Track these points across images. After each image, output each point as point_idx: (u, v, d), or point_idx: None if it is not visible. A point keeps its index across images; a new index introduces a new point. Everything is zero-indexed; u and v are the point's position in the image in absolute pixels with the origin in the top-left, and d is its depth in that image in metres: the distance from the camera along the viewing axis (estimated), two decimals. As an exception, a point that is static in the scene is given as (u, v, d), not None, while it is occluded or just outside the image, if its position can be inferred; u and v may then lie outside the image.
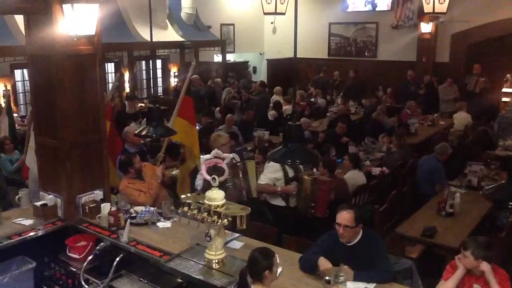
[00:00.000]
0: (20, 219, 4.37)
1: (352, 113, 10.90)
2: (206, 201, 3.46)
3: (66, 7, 3.95)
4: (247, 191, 5.14)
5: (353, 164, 6.10)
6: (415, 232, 4.85)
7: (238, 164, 5.16)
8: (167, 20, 12.72)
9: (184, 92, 5.86)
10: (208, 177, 3.50)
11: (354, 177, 5.69)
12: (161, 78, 13.71)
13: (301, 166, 5.28)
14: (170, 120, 5.71)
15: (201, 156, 3.62)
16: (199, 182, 5.09)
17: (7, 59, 9.46)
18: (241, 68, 14.89)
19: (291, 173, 5.15)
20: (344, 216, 3.54)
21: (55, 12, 3.98)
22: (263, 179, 5.21)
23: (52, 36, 4.04)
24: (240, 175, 5.07)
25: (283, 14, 10.31)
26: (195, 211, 3.50)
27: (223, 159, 3.60)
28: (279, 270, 3.48)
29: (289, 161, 3.49)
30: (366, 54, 14.71)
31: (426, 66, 13.21)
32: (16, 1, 4.49)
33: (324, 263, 3.40)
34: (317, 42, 14.93)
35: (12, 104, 9.84)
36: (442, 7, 10.20)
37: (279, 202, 5.20)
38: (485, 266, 3.26)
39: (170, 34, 12.70)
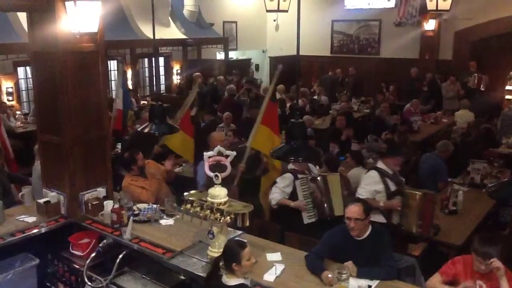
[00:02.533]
0: (23, 216, 4.38)
1: (355, 110, 10.88)
2: (209, 199, 3.47)
3: (68, 4, 3.95)
4: (329, 209, 4.89)
5: (355, 161, 6.09)
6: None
7: (317, 178, 4.92)
8: (169, 18, 12.71)
9: (269, 97, 5.53)
10: (211, 174, 3.50)
11: (356, 175, 5.67)
12: (163, 76, 13.70)
13: (403, 179, 4.99)
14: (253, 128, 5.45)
15: (204, 153, 3.62)
16: (274, 196, 4.97)
17: (10, 57, 9.47)
18: (243, 66, 14.87)
19: (392, 186, 4.75)
20: (354, 209, 3.59)
21: (58, 9, 3.98)
22: (362, 193, 4.75)
23: (54, 33, 4.04)
24: (320, 190, 4.84)
25: (286, 11, 10.29)
26: (198, 209, 3.50)
27: (226, 156, 3.59)
28: (282, 267, 3.50)
29: (292, 158, 3.47)
30: (369, 51, 14.67)
31: (429, 63, 13.17)
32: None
33: (326, 277, 3.35)
34: (319, 39, 14.90)
35: (15, 102, 9.89)
36: (445, 4, 10.14)
37: (378, 218, 4.65)
38: (499, 263, 3.23)
39: (173, 32, 12.69)
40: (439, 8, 10.09)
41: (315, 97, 12.08)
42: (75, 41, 4.10)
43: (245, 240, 3.40)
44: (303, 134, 3.43)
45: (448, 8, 10.10)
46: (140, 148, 5.23)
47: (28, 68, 9.82)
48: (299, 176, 4.98)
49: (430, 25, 13.10)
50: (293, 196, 4.95)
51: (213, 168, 3.51)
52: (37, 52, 4.33)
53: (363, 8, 14.30)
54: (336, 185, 4.98)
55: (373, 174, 4.83)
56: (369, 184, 4.80)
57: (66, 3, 3.96)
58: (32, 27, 4.31)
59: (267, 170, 5.55)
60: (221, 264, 3.14)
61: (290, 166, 5.10)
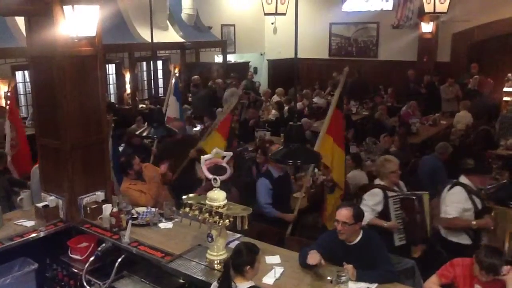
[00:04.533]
0: (21, 220, 4.38)
1: (354, 113, 10.89)
2: (207, 202, 3.47)
3: (66, 8, 3.96)
4: (422, 230, 4.48)
5: (354, 163, 6.09)
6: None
7: (413, 197, 4.48)
8: (167, 21, 12.71)
9: (335, 104, 5.13)
10: (210, 176, 3.50)
11: (355, 177, 5.68)
12: (162, 79, 13.71)
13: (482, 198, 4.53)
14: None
15: (202, 157, 3.61)
16: (365, 215, 4.35)
17: (8, 61, 9.47)
18: (242, 69, 14.88)
19: (478, 204, 4.40)
20: (343, 213, 3.55)
21: (56, 13, 3.99)
22: (451, 211, 4.34)
23: (53, 38, 4.04)
24: (415, 210, 4.43)
25: (284, 14, 10.31)
26: (197, 212, 3.50)
27: (223, 157, 3.59)
28: (281, 270, 3.49)
29: (290, 161, 3.47)
30: (367, 54, 14.70)
31: (427, 65, 13.19)
32: (17, 3, 4.50)
33: (313, 255, 3.36)
34: (318, 42, 14.92)
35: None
36: (443, 7, 10.20)
37: (463, 239, 4.35)
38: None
39: (171, 35, 12.69)
40: (436, 11, 10.15)
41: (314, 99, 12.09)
42: (73, 45, 4.10)
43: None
44: (301, 137, 3.43)
45: (445, 10, 10.15)
46: (173, 154, 5.08)
47: (26, 72, 9.82)
48: (391, 194, 4.51)
49: (427, 27, 13.13)
50: (381, 215, 4.50)
51: (213, 171, 3.50)
52: (35, 56, 4.34)
53: (361, 11, 14.34)
54: (427, 204, 4.54)
55: (459, 190, 4.42)
56: (457, 201, 4.35)
57: (64, 7, 3.96)
58: (31, 31, 4.31)
59: (333, 185, 5.07)
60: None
61: (377, 180, 4.72)
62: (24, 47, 4.63)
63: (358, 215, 3.59)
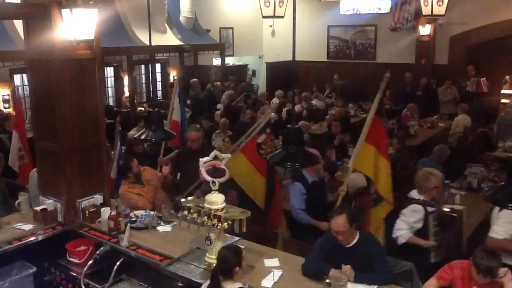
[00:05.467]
0: (20, 224, 4.36)
1: (352, 115, 10.90)
2: (206, 205, 3.47)
3: (65, 11, 3.95)
4: (460, 247, 4.30)
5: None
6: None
7: (454, 214, 4.30)
8: (166, 24, 12.73)
9: (375, 110, 4.75)
10: (209, 179, 3.50)
11: (354, 180, 5.68)
12: (160, 82, 13.71)
13: None
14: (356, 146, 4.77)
15: (200, 159, 3.61)
16: (403, 233, 4.25)
17: (6, 64, 9.47)
18: (240, 72, 14.90)
19: None
20: (338, 222, 3.53)
21: (54, 16, 3.99)
22: (499, 233, 4.03)
23: (51, 41, 4.04)
24: (457, 226, 4.25)
25: (282, 17, 10.32)
26: (195, 215, 3.50)
27: (221, 160, 3.59)
28: (280, 273, 3.49)
29: (289, 164, 3.47)
30: (365, 56, 14.73)
31: (425, 68, 13.23)
32: (15, 6, 4.52)
33: (336, 274, 3.34)
34: (316, 45, 14.95)
35: (11, 110, 9.87)
36: (440, 9, 10.20)
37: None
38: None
39: (169, 38, 12.71)
40: (434, 13, 10.16)
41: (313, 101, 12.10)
42: (71, 49, 4.10)
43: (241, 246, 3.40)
44: (300, 140, 3.43)
45: (443, 13, 10.15)
46: (190, 165, 4.87)
47: (24, 75, 9.81)
48: (430, 209, 4.30)
49: (425, 30, 13.17)
50: (419, 232, 4.29)
51: (211, 173, 3.50)
52: (34, 59, 4.33)
53: (359, 13, 14.38)
54: (465, 219, 4.41)
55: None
56: (509, 222, 4.01)
57: (62, 10, 3.96)
58: (29, 34, 4.31)
59: (378, 200, 4.75)
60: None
61: (415, 194, 4.47)
62: (22, 50, 4.63)
63: (352, 218, 3.58)
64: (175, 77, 13.55)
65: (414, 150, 8.44)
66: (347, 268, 3.36)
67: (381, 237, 4.50)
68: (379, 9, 13.92)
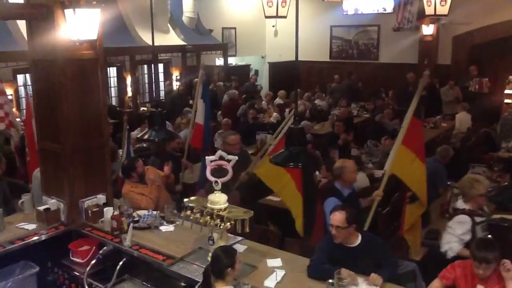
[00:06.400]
0: (23, 223, 4.38)
1: (355, 115, 10.89)
2: (208, 205, 3.47)
3: (68, 12, 3.96)
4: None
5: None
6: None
7: (505, 224, 4.13)
8: (168, 24, 12.75)
9: (413, 111, 4.55)
10: (212, 179, 3.50)
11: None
12: (163, 82, 13.73)
13: None
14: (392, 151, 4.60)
15: (206, 157, 3.61)
16: (452, 246, 4.09)
17: (9, 64, 9.49)
18: (243, 72, 14.91)
19: None
20: (336, 217, 3.54)
21: (57, 17, 4.00)
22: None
23: (54, 41, 4.05)
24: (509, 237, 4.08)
25: (285, 17, 10.31)
26: (198, 215, 3.50)
27: (228, 160, 3.59)
28: (282, 273, 3.49)
29: (291, 164, 3.47)
30: (368, 56, 14.72)
31: (428, 68, 13.20)
32: (18, 7, 4.54)
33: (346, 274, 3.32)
34: (318, 45, 14.95)
35: (14, 109, 9.90)
36: (443, 9, 10.17)
37: None
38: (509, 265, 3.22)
39: (172, 38, 12.73)
40: (437, 13, 10.14)
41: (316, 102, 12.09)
42: (74, 49, 4.11)
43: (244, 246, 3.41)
44: (302, 140, 3.43)
45: (446, 12, 10.12)
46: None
47: (27, 75, 9.84)
48: (478, 219, 4.14)
49: (428, 29, 13.15)
50: (468, 244, 4.04)
51: (214, 172, 3.50)
52: (37, 60, 4.34)
53: (362, 13, 14.36)
54: None
55: None
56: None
57: (65, 11, 3.97)
58: (32, 35, 4.32)
59: (413, 199, 4.62)
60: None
61: (460, 203, 4.35)
62: (25, 50, 4.64)
63: (352, 217, 3.57)
64: (177, 77, 13.60)
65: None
66: (344, 271, 3.30)
67: (418, 233, 4.46)
68: (384, 9, 13.91)
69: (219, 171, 3.51)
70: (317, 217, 4.67)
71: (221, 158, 3.54)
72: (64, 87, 4.14)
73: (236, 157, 3.60)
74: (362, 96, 12.84)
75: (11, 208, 5.13)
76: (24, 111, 10.52)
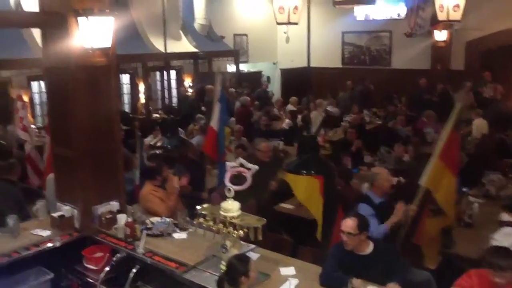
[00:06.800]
0: (37, 230, 4.40)
1: (367, 122, 10.81)
2: (221, 212, 3.46)
3: (81, 20, 4.00)
4: None
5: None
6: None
7: None
8: (180, 31, 12.82)
9: (453, 124, 4.41)
10: (229, 185, 3.49)
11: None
12: (175, 89, 13.79)
13: None
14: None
15: (227, 163, 3.59)
16: None
17: (24, 71, 9.61)
18: (254, 78, 14.92)
19: None
20: (347, 223, 3.54)
21: (71, 25, 4.04)
22: None
23: (67, 49, 4.10)
24: None
25: (296, 24, 10.32)
26: (211, 222, 3.49)
27: (248, 169, 3.57)
28: (296, 282, 3.46)
29: (304, 172, 3.45)
30: (380, 62, 14.66)
31: (441, 74, 13.11)
32: (33, 15, 4.59)
33: (358, 283, 3.31)
34: (330, 51, 14.93)
35: (29, 115, 10.00)
36: (456, 15, 10.14)
37: None
38: None
39: (184, 45, 12.80)
40: (450, 19, 10.09)
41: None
42: (87, 56, 4.15)
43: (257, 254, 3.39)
44: (315, 147, 3.42)
45: (459, 18, 10.09)
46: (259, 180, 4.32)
47: (42, 82, 9.95)
48: None
49: (441, 35, 13.07)
50: None
51: (233, 179, 3.49)
52: (50, 67, 4.40)
53: (373, 19, 14.32)
54: None
55: None
56: None
57: (79, 19, 4.00)
58: (46, 42, 4.38)
59: (437, 212, 4.57)
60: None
61: (505, 216, 4.32)
62: (39, 58, 4.69)
63: (363, 224, 3.56)
64: (190, 84, 13.65)
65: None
66: (392, 286, 3.25)
67: (436, 242, 4.40)
68: (398, 15, 13.86)
69: (238, 178, 3.48)
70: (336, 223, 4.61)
71: (241, 165, 3.51)
72: (76, 93, 4.18)
73: (257, 167, 3.55)
74: (374, 102, 12.76)
75: (26, 214, 5.17)
76: (39, 118, 10.66)
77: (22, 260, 3.96)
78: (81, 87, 4.19)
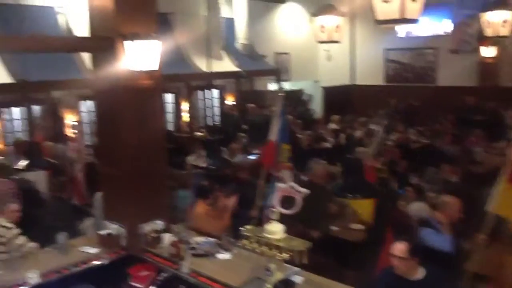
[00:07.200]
0: (85, 247, 4.50)
1: (414, 141, 10.53)
2: (266, 234, 3.43)
3: (130, 44, 4.13)
4: None
5: (416, 195, 5.87)
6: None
7: None
8: (222, 51, 13.04)
9: None
10: (277, 207, 3.46)
11: (417, 209, 5.46)
12: (217, 107, 13.97)
13: None
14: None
15: (277, 184, 3.56)
16: None
17: (73, 91, 9.98)
18: (295, 97, 14.91)
19: None
20: (398, 247, 3.47)
21: (119, 49, 4.17)
22: None
23: (116, 72, 4.24)
24: None
25: (338, 42, 10.31)
26: (255, 245, 3.47)
27: (299, 192, 3.52)
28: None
29: (350, 195, 3.39)
30: (424, 80, 14.36)
31: (489, 91, 12.70)
32: (84, 40, 4.79)
33: None
34: (372, 68, 14.79)
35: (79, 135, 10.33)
36: (505, 30, 9.86)
37: None
38: None
39: (226, 64, 12.99)
40: (499, 34, 9.81)
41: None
42: (135, 79, 4.26)
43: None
44: (360, 170, 3.36)
45: (507, 34, 9.80)
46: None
47: (89, 102, 10.30)
48: None
49: (489, 51, 12.69)
50: None
51: (282, 201, 3.46)
52: (99, 88, 4.56)
53: (417, 36, 14.10)
54: None
55: None
56: None
57: (127, 43, 4.13)
58: (95, 66, 4.56)
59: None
60: None
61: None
62: (87, 78, 4.87)
63: (414, 250, 3.48)
64: (232, 103, 13.77)
65: (480, 178, 8.00)
66: None
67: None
68: (445, 32, 13.60)
69: (287, 201, 3.45)
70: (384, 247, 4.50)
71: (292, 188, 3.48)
72: (123, 114, 4.31)
73: (308, 191, 3.49)
74: (419, 120, 12.48)
75: (74, 231, 5.32)
76: (88, 136, 10.99)
77: (71, 276, 4.06)
78: (128, 108, 4.30)
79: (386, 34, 14.50)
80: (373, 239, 4.44)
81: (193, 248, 4.28)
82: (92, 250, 4.44)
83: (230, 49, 13.33)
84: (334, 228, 5.29)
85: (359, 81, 13.55)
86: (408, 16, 5.51)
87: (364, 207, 4.38)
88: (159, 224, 4.55)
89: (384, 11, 5.55)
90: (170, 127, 12.78)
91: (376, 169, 5.54)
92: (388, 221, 4.89)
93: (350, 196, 3.56)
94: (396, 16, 5.52)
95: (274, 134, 6.17)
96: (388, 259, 3.87)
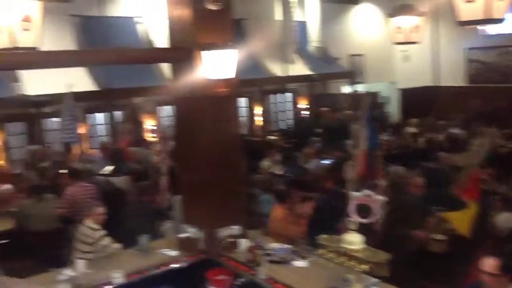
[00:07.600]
0: (165, 249, 4.64)
1: (500, 145, 9.86)
2: (344, 245, 3.37)
3: (207, 54, 4.24)
4: None
5: (504, 204, 5.48)
6: None
7: None
8: (295, 55, 13.02)
9: None
10: (354, 216, 3.39)
11: (506, 220, 5.10)
12: (290, 111, 13.96)
13: None
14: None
15: (352, 193, 3.50)
16: None
17: (153, 98, 10.43)
18: (371, 99, 14.52)
19: None
20: (488, 263, 3.28)
21: (196, 59, 4.30)
22: None
23: (194, 80, 4.36)
24: None
25: (415, 43, 9.93)
26: (333, 255, 3.41)
27: (376, 200, 3.44)
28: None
29: (434, 207, 3.24)
30: (511, 79, 13.44)
31: None
32: (164, 51, 5.01)
33: None
34: (452, 69, 14.06)
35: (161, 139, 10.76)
36: None
37: None
38: None
39: (299, 68, 12.97)
40: None
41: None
42: (212, 87, 4.36)
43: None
44: (444, 181, 3.20)
45: None
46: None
47: (168, 107, 10.71)
48: None
49: None
50: None
51: (358, 209, 3.39)
52: (178, 96, 4.73)
53: (501, 33, 13.22)
54: None
55: None
56: None
57: (205, 52, 4.24)
58: (174, 74, 4.74)
59: None
60: None
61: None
62: (165, 85, 5.06)
63: (507, 266, 3.27)
64: (305, 106, 13.70)
65: None
66: None
67: None
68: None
69: (364, 209, 3.37)
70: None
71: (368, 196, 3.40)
72: (201, 121, 4.43)
73: (384, 198, 3.39)
74: (507, 123, 11.68)
75: (155, 234, 5.53)
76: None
77: (151, 278, 4.20)
78: (205, 115, 4.42)
79: (467, 32, 13.76)
80: (463, 252, 4.19)
81: (268, 254, 4.29)
82: (172, 253, 4.57)
83: (303, 52, 13.29)
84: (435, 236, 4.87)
85: (439, 82, 12.92)
86: (494, 15, 5.16)
87: (457, 219, 4.11)
88: (235, 229, 4.61)
89: (467, 11, 5.24)
90: (244, 131, 12.95)
91: (480, 181, 5.12)
92: (483, 234, 4.62)
93: (435, 209, 3.38)
94: (480, 16, 5.19)
95: (363, 141, 5.96)
96: (477, 275, 3.66)
